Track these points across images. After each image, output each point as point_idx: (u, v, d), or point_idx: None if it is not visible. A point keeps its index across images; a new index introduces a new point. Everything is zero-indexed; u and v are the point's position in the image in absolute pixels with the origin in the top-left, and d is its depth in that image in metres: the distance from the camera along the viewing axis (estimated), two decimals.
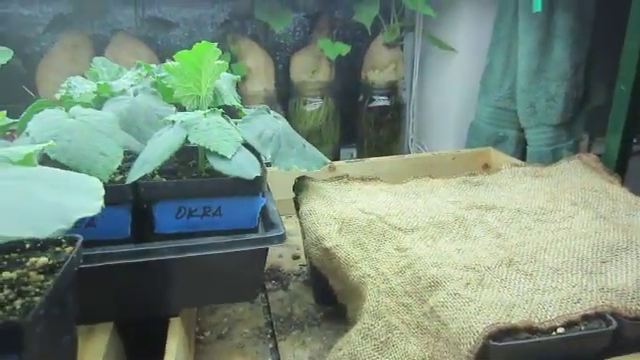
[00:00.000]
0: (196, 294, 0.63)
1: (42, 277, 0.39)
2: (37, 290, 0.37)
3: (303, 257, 1.03)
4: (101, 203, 0.31)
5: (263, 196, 0.64)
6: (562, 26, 1.24)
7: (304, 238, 0.78)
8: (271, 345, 0.78)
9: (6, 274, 0.38)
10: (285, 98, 1.69)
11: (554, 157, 1.29)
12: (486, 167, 1.36)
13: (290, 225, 0.97)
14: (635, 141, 1.64)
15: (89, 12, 1.56)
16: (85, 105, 0.66)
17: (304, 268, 1.00)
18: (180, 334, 0.60)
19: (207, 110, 0.65)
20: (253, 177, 0.59)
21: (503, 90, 1.38)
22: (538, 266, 0.64)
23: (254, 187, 0.60)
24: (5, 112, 0.71)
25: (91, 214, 0.31)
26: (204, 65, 0.75)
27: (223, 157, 0.58)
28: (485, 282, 0.61)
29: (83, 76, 0.90)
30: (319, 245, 0.72)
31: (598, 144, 1.37)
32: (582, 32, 1.26)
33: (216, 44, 0.76)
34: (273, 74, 1.59)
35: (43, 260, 0.42)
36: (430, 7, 1.44)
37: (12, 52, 1.03)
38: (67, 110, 0.59)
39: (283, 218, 0.70)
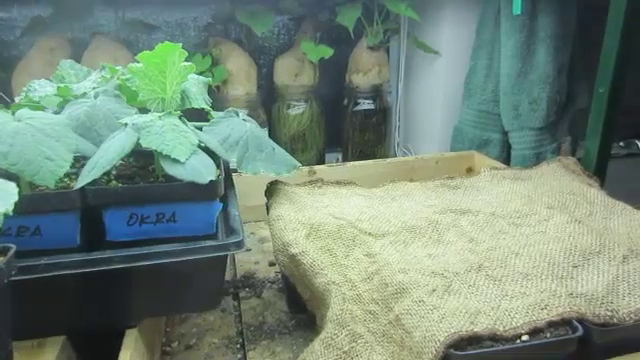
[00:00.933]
0: (152, 304, 0.61)
1: None
2: None
3: None
4: (10, 209, 0.29)
5: (221, 201, 0.62)
6: (544, 29, 1.23)
7: (273, 244, 0.76)
8: (240, 355, 0.76)
9: None
10: (268, 102, 1.67)
11: (538, 160, 1.28)
12: (470, 171, 1.34)
13: (266, 231, 0.94)
14: (622, 145, 1.65)
15: (69, 14, 1.54)
16: (39, 109, 0.64)
17: (280, 275, 0.98)
18: (136, 346, 0.57)
19: (162, 113, 0.63)
20: (207, 181, 0.56)
21: (486, 93, 1.36)
22: (508, 271, 0.62)
23: (210, 192, 0.58)
24: None
25: None
26: (168, 66, 0.73)
27: (176, 161, 0.56)
28: (452, 288, 0.59)
29: (49, 79, 0.88)
30: (285, 252, 0.70)
31: (582, 147, 1.35)
32: (565, 35, 1.25)
33: (181, 45, 0.74)
34: (256, 78, 1.58)
35: None
36: (413, 10, 1.42)
37: None
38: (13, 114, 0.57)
39: (260, 224, 0.68)
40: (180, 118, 0.63)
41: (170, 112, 0.63)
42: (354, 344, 0.59)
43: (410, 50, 1.68)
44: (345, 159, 1.74)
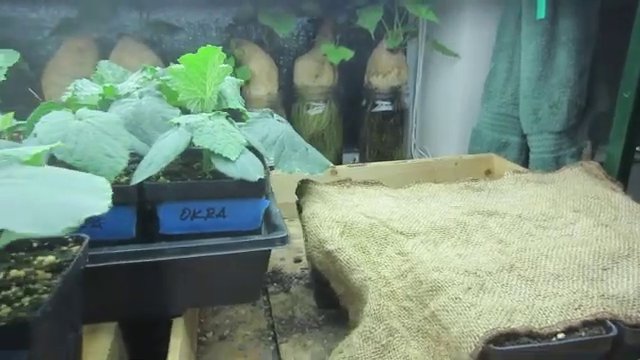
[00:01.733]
0: (199, 295, 0.64)
1: (49, 275, 0.40)
2: (45, 288, 0.37)
3: (305, 260, 1.03)
4: (109, 203, 0.32)
5: (266, 198, 0.64)
6: (566, 32, 1.24)
7: (306, 241, 0.79)
8: (272, 347, 0.79)
9: (14, 272, 0.39)
10: (288, 102, 1.70)
11: (557, 164, 1.30)
12: (488, 173, 1.36)
13: (292, 228, 0.97)
14: (639, 149, 1.66)
15: (95, 16, 1.57)
16: (91, 107, 0.67)
17: (306, 271, 1.00)
18: (183, 334, 0.60)
19: (212, 113, 0.65)
20: (257, 179, 0.59)
21: (506, 96, 1.38)
22: (539, 272, 0.64)
23: (257, 189, 0.61)
24: (13, 114, 0.72)
25: (99, 213, 0.31)
26: (209, 68, 0.76)
27: (227, 159, 0.59)
28: (486, 287, 0.62)
29: (89, 79, 0.91)
30: (321, 248, 0.73)
31: (601, 152, 1.37)
32: (586, 39, 1.26)
33: (220, 48, 0.77)
34: (277, 78, 1.60)
35: (50, 259, 0.42)
36: (433, 13, 1.45)
37: (19, 54, 1.04)
38: (74, 112, 0.60)
39: (286, 221, 0.70)
40: (227, 119, 0.66)
41: (218, 113, 0.66)
42: (391, 338, 0.61)
43: (427, 52, 1.71)
44: (362, 160, 1.76)
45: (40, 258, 0.43)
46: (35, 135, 0.54)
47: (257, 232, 0.63)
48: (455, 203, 0.89)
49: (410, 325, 0.63)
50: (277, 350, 0.78)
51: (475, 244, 0.75)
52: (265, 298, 0.91)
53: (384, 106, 1.67)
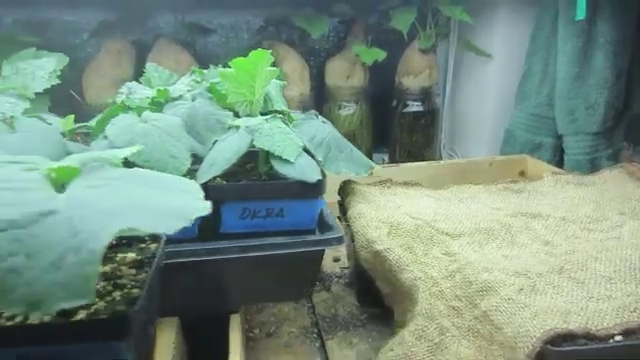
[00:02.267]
0: (256, 292, 0.66)
1: (134, 271, 0.42)
2: (132, 283, 0.39)
3: (344, 259, 1.05)
4: (208, 204, 0.34)
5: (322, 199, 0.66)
6: (604, 34, 1.24)
7: (352, 240, 0.80)
8: (318, 344, 0.80)
9: (100, 267, 0.41)
10: (319, 103, 1.71)
11: (592, 166, 1.29)
12: (522, 174, 1.36)
13: None
14: None
15: (132, 18, 1.61)
16: (139, 110, 0.69)
17: (345, 270, 1.02)
18: (239, 329, 0.62)
19: (268, 116, 0.67)
20: (315, 180, 0.61)
21: (541, 97, 1.38)
22: (590, 274, 0.65)
23: (315, 190, 0.63)
24: (73, 116, 0.74)
25: (205, 213, 0.33)
26: (258, 72, 0.78)
27: (287, 161, 0.61)
28: (537, 288, 0.62)
29: (133, 80, 0.93)
30: (369, 248, 0.74)
31: (638, 153, 1.36)
32: (624, 40, 1.25)
33: (270, 52, 0.79)
34: (308, 79, 1.62)
35: (132, 256, 0.45)
36: (467, 13, 1.45)
37: (67, 58, 1.08)
38: (139, 115, 0.62)
39: None
40: (283, 121, 0.67)
41: (274, 115, 0.68)
42: (443, 337, 0.63)
43: (458, 53, 1.71)
44: (392, 160, 1.77)
45: (121, 255, 0.45)
46: (105, 137, 0.57)
47: (312, 232, 0.65)
48: (496, 205, 0.90)
49: (460, 324, 0.64)
50: (323, 347, 0.79)
51: (520, 246, 0.76)
52: (307, 296, 0.93)
53: (415, 106, 1.68)
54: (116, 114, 0.62)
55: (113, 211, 0.28)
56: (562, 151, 1.38)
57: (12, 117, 0.59)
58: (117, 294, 0.38)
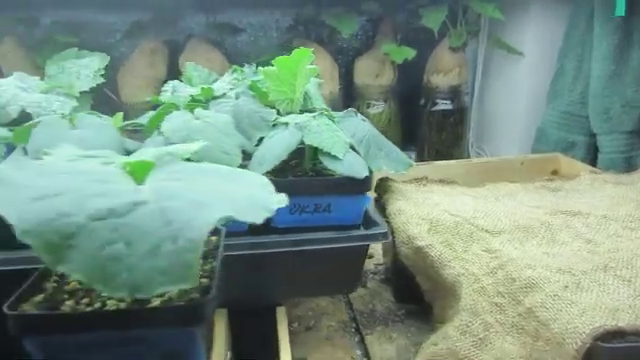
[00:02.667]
0: (303, 285, 0.67)
1: (200, 262, 0.44)
2: (200, 273, 0.41)
3: (377, 256, 1.06)
4: (282, 197, 0.35)
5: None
6: None
7: (392, 237, 0.81)
8: (357, 339, 0.82)
9: None
10: (347, 101, 1.72)
11: (627, 165, 1.28)
12: (555, 173, 1.34)
13: None
14: None
15: (164, 19, 1.64)
16: (191, 107, 0.71)
17: (379, 267, 1.03)
18: (286, 322, 0.63)
19: (315, 113, 0.69)
20: (363, 177, 0.62)
21: (574, 95, 1.36)
22: (636, 272, 0.65)
23: (363, 186, 0.64)
24: (122, 114, 0.77)
25: (283, 205, 0.34)
26: (300, 70, 0.79)
27: (335, 157, 0.62)
28: (583, 286, 0.62)
29: (166, 79, 0.95)
30: (410, 244, 0.75)
31: None
32: None
33: (312, 50, 0.80)
34: (337, 77, 1.63)
35: None
36: (499, 11, 1.44)
37: (108, 57, 1.10)
38: (191, 112, 0.64)
39: None
40: (330, 119, 0.69)
41: (321, 113, 0.69)
42: (487, 332, 0.63)
43: (487, 51, 1.70)
44: (420, 159, 1.77)
45: None
46: (161, 134, 0.59)
47: (357, 227, 0.66)
48: (534, 203, 0.90)
49: (503, 321, 0.64)
50: (362, 341, 0.81)
51: (561, 243, 0.76)
52: None
53: (444, 105, 1.67)
54: (170, 111, 0.64)
55: (201, 202, 0.30)
56: (596, 149, 1.37)
57: (72, 114, 0.61)
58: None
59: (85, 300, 0.39)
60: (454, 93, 1.66)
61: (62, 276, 0.43)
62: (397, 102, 1.71)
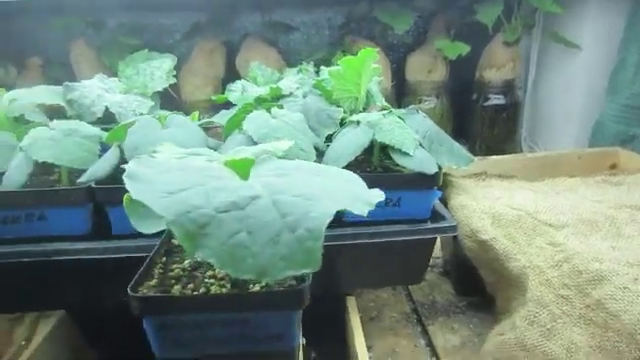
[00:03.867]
0: (374, 276, 0.70)
1: None
2: None
3: (435, 250, 1.08)
4: (379, 192, 0.38)
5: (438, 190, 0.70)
6: None
7: None
8: (419, 329, 0.84)
9: None
10: (399, 97, 1.74)
11: None
12: (614, 167, 1.32)
13: None
14: None
15: (221, 19, 1.70)
16: (267, 106, 0.75)
17: (437, 260, 1.05)
18: (357, 309, 0.67)
19: (386, 111, 0.72)
20: (433, 172, 0.65)
21: (635, 88, 1.33)
22: None
23: (432, 181, 0.66)
24: (198, 112, 0.82)
25: (382, 199, 0.38)
26: (364, 69, 0.82)
27: (406, 154, 0.65)
28: None
29: (237, 79, 1.00)
30: (474, 237, 0.77)
31: None
32: None
33: (377, 50, 0.82)
34: (390, 74, 1.65)
35: None
36: (558, 5, 1.43)
37: (176, 59, 1.16)
38: (268, 111, 0.68)
39: None
40: (399, 117, 0.72)
41: (390, 111, 0.72)
42: (554, 323, 0.65)
43: (542, 45, 1.68)
44: (472, 154, 1.76)
45: None
46: (243, 132, 0.63)
47: (426, 221, 0.68)
48: (596, 197, 0.90)
49: (570, 312, 0.66)
50: (425, 331, 0.83)
51: (627, 237, 0.76)
52: None
53: (497, 100, 1.67)
54: (249, 111, 0.68)
55: (311, 196, 0.34)
56: None
57: (162, 115, 0.66)
58: None
59: (190, 286, 0.43)
60: (507, 88, 1.65)
61: (166, 264, 0.47)
62: (449, 97, 1.71)
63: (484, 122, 1.70)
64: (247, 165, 0.41)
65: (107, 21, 1.68)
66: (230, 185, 0.36)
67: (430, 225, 0.66)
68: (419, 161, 0.65)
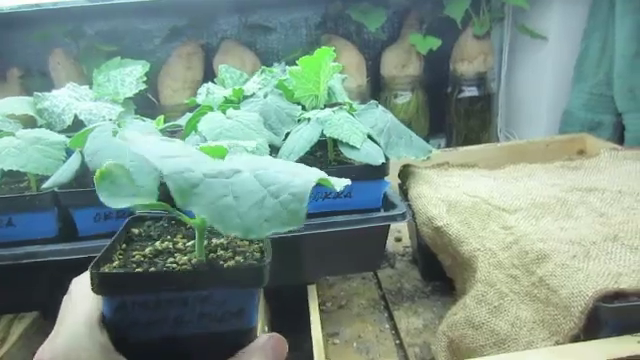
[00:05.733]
0: (330, 265, 0.74)
1: (247, 243, 0.51)
2: (248, 252, 0.48)
3: (405, 239, 1.12)
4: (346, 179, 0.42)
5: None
6: None
7: (414, 219, 0.87)
8: (386, 314, 0.88)
9: (216, 240, 0.50)
10: (375, 92, 1.78)
11: None
12: (581, 153, 1.36)
13: None
14: None
15: (199, 23, 1.73)
16: (224, 107, 0.79)
17: (407, 249, 1.09)
18: (316, 297, 0.71)
19: (335, 108, 0.75)
20: (379, 163, 0.68)
21: (599, 76, 1.38)
22: None
23: (380, 172, 0.70)
24: (163, 116, 0.86)
25: (349, 184, 0.41)
26: (322, 68, 0.86)
27: (353, 147, 0.68)
28: (591, 255, 0.67)
29: (203, 81, 1.03)
30: (430, 224, 0.80)
31: None
32: None
33: (332, 49, 0.86)
34: (365, 70, 1.69)
35: None
36: None
37: (149, 65, 1.20)
38: (223, 112, 0.72)
39: None
40: (349, 112, 0.75)
41: (341, 107, 0.76)
42: (502, 301, 0.69)
43: (512, 37, 1.72)
44: (449, 145, 1.81)
45: None
46: (198, 133, 0.67)
47: (378, 210, 0.72)
48: (552, 181, 0.94)
49: (518, 290, 0.70)
50: (391, 316, 0.87)
51: (576, 218, 0.80)
52: (373, 272, 1.01)
53: (470, 92, 1.70)
54: (204, 113, 0.72)
55: (290, 173, 0.36)
56: (622, 129, 1.37)
57: (120, 120, 0.70)
58: (240, 258, 0.46)
59: (152, 269, 0.45)
60: (480, 80, 1.69)
61: (126, 250, 0.48)
62: (424, 91, 1.75)
63: (459, 114, 1.74)
64: (222, 152, 0.43)
65: (85, 29, 1.71)
66: (212, 161, 0.39)
67: (380, 214, 0.69)
68: (366, 153, 0.68)
